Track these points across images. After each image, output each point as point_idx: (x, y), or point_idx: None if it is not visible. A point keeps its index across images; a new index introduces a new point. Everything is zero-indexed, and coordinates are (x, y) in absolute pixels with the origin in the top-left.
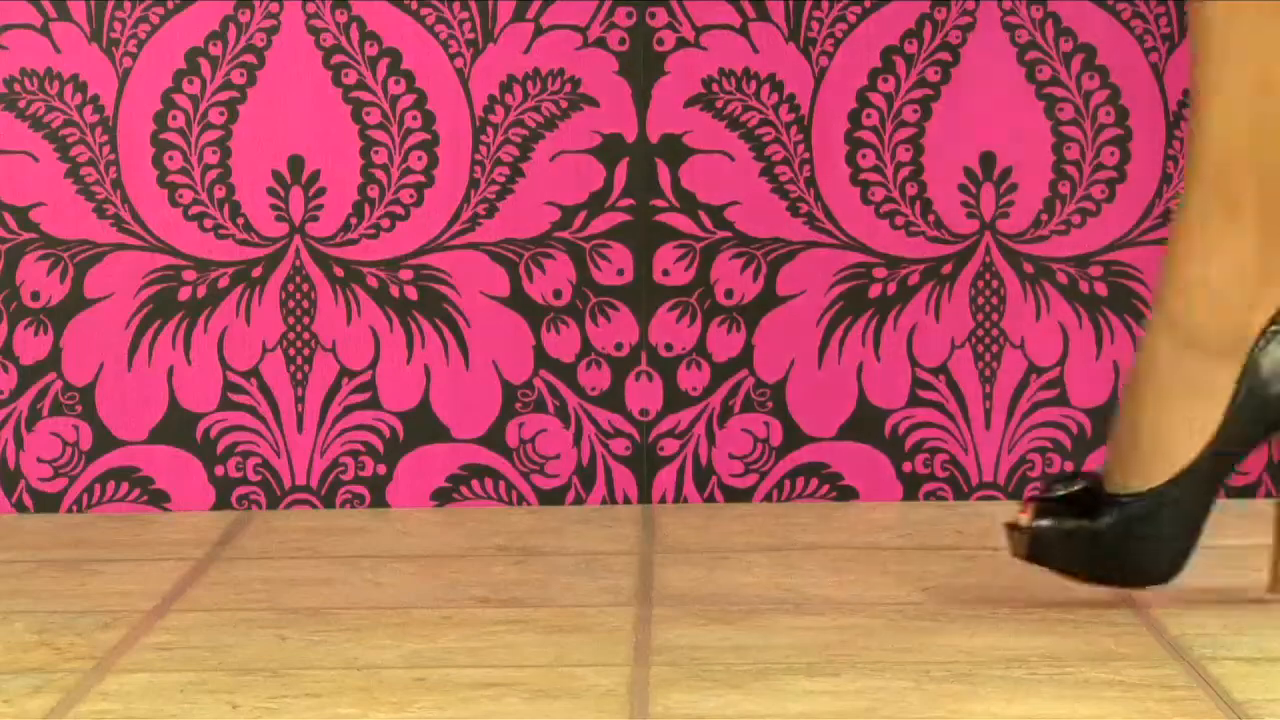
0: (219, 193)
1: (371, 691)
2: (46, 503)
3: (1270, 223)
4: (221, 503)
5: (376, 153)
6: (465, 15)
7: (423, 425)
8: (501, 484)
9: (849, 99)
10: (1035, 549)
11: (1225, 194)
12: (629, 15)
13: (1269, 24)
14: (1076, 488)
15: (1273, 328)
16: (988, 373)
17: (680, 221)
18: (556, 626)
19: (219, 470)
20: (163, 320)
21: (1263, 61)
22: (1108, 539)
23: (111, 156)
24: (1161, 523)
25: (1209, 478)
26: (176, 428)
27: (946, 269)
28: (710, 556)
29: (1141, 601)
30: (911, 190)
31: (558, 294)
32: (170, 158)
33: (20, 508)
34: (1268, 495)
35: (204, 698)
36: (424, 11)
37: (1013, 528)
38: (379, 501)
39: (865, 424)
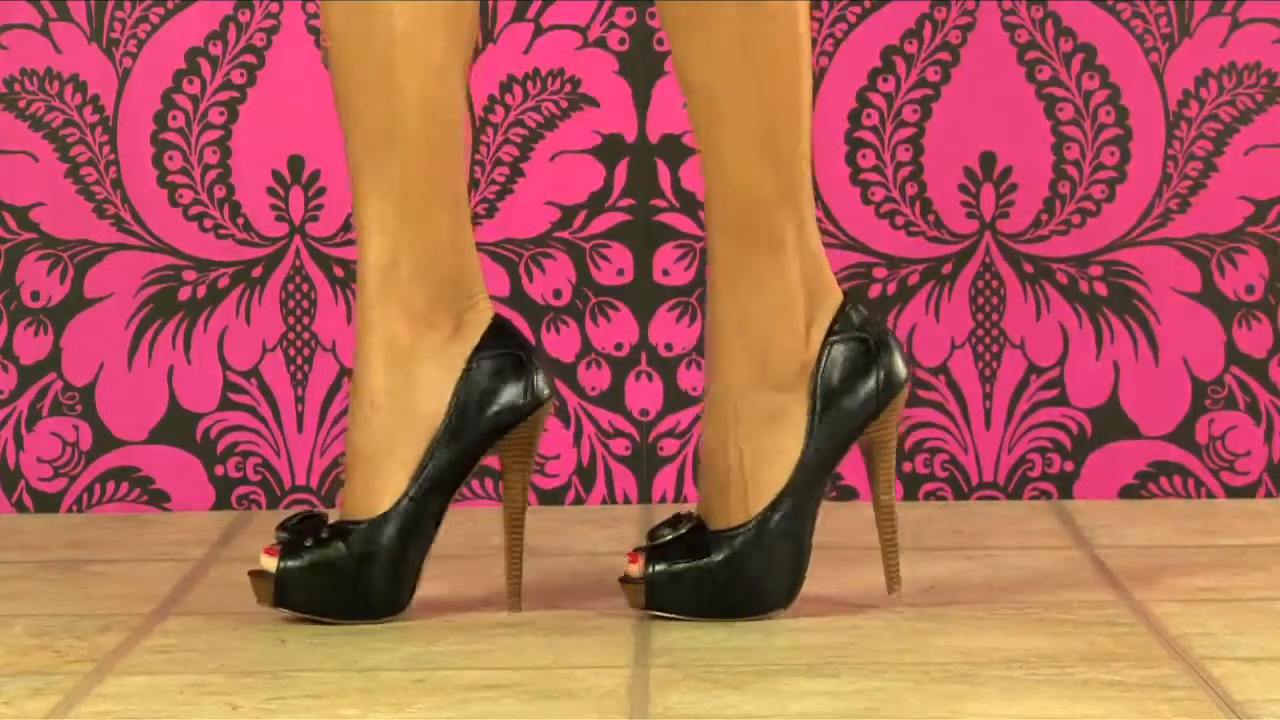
0: (219, 193)
1: (371, 693)
2: (46, 503)
3: (805, 247)
4: (221, 503)
5: None
6: None
7: None
8: (502, 484)
9: (849, 99)
10: (652, 598)
11: (764, 232)
12: (629, 15)
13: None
14: (683, 530)
15: (830, 338)
16: (988, 373)
17: (680, 221)
18: (556, 628)
19: (219, 470)
20: (163, 320)
21: (764, 116)
22: (722, 575)
23: (111, 156)
24: (768, 548)
25: (809, 496)
26: (176, 428)
27: (946, 269)
28: None
29: (1141, 602)
30: (911, 190)
31: (558, 294)
32: (170, 158)
33: (20, 508)
34: (1267, 495)
35: (204, 700)
36: None
37: (625, 580)
38: None
39: None
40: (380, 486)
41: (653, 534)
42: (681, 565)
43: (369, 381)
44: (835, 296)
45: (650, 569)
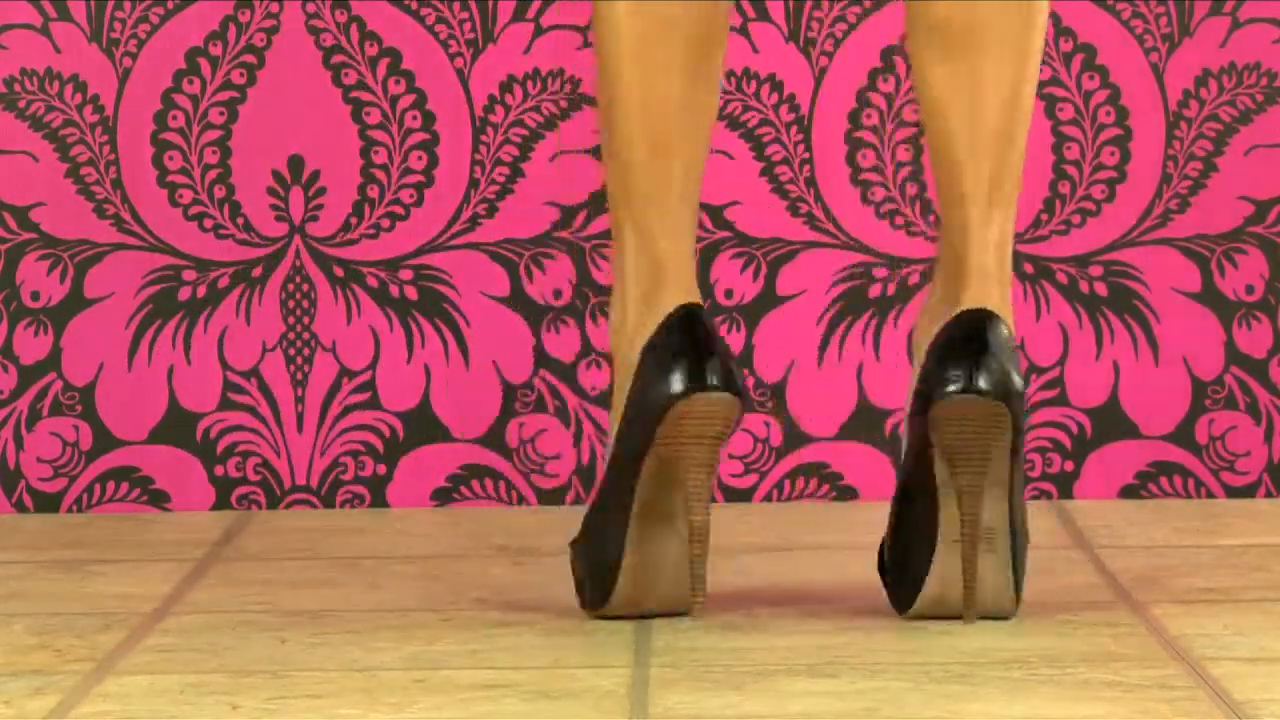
0: (219, 193)
1: (371, 693)
2: (46, 503)
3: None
4: (221, 503)
5: (376, 153)
6: (465, 15)
7: (423, 425)
8: (501, 484)
9: (849, 99)
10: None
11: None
12: None
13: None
14: None
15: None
16: None
17: None
18: (556, 628)
19: (219, 470)
20: (163, 320)
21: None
22: None
23: (111, 156)
24: None
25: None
26: (176, 428)
27: None
28: (710, 557)
29: (1141, 602)
30: (911, 190)
31: (558, 294)
32: (170, 158)
33: (20, 508)
34: (1268, 495)
35: (204, 699)
36: (424, 11)
37: None
38: (379, 501)
39: (865, 424)
40: None
41: None
42: None
43: None
44: None
45: None
